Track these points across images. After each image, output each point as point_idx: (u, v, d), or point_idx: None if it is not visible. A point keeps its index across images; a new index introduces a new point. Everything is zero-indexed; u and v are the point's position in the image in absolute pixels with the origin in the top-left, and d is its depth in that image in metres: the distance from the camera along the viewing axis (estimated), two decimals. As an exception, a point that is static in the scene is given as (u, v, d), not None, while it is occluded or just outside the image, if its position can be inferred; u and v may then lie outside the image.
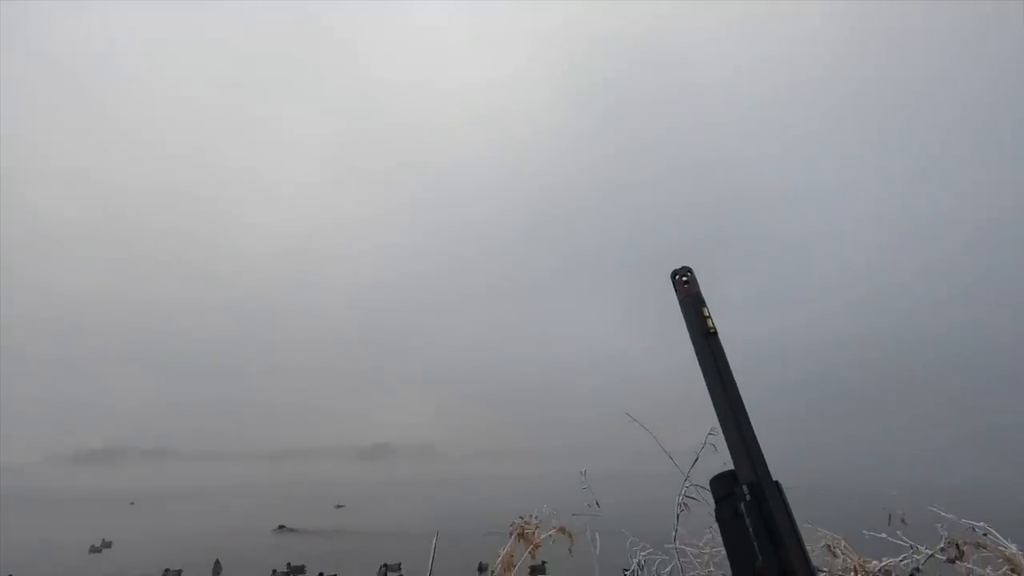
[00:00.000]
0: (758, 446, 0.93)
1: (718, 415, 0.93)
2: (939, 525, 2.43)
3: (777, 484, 0.92)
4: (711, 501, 2.85)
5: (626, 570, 3.07)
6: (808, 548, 2.80)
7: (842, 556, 2.63)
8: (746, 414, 0.93)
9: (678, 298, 0.98)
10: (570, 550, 2.79)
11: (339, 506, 63.84)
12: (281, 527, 47.78)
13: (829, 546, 2.66)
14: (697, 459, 2.85)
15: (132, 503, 77.31)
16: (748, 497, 0.91)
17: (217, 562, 30.00)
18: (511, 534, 2.72)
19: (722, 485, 0.93)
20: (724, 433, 0.93)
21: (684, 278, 0.99)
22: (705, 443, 2.79)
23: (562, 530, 2.70)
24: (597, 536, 2.94)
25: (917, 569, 2.24)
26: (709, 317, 0.96)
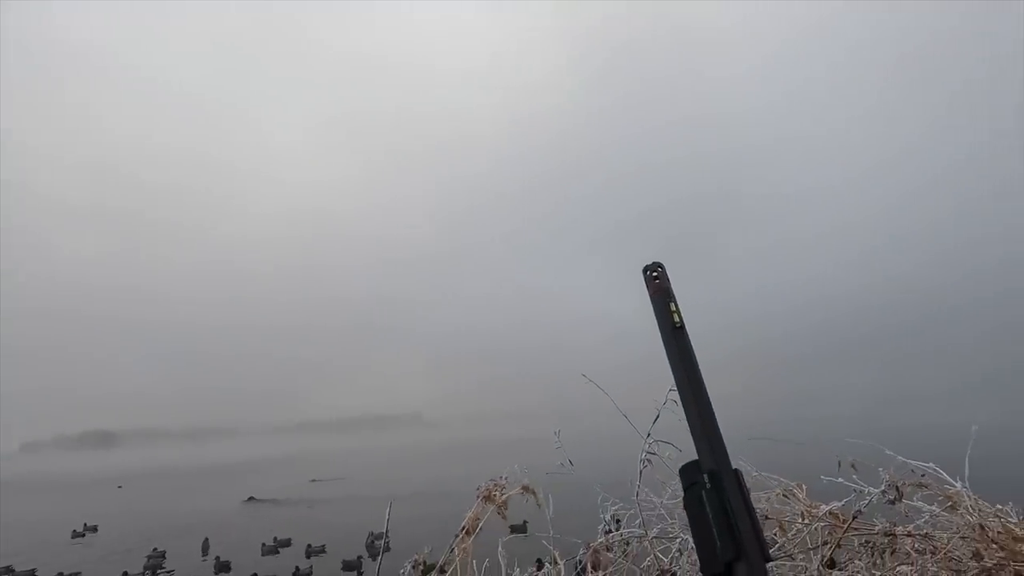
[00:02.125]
0: (719, 436, 0.97)
1: (684, 406, 0.98)
2: (881, 469, 2.56)
3: (736, 472, 0.97)
4: (672, 457, 2.89)
5: (601, 527, 3.18)
6: (765, 496, 2.88)
7: (797, 502, 2.74)
8: (710, 405, 0.97)
9: (649, 293, 1.01)
10: (539, 504, 2.87)
11: (313, 480, 64.25)
12: (251, 499, 48.17)
13: (783, 493, 2.76)
14: (658, 416, 2.91)
15: (120, 486, 76.61)
16: (708, 485, 0.96)
17: (206, 540, 30.23)
18: (478, 497, 2.76)
19: (689, 473, 0.97)
20: (689, 423, 0.97)
21: (655, 274, 1.01)
22: (666, 400, 2.85)
23: (526, 488, 2.76)
24: (550, 497, 3.02)
25: (860, 511, 2.36)
26: (676, 311, 0.99)
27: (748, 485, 0.98)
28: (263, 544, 28.98)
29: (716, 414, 0.98)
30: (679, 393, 0.98)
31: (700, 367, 0.99)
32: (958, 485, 2.60)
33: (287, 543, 29.60)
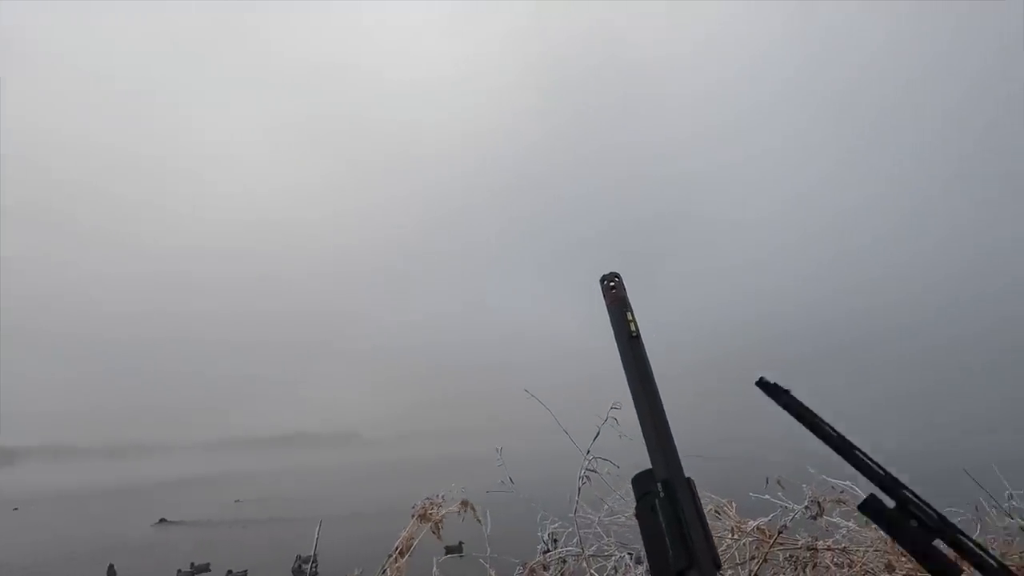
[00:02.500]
0: (673, 445, 0.98)
1: (638, 415, 0.97)
2: (805, 486, 2.71)
3: (688, 480, 0.97)
4: (610, 473, 2.90)
5: (539, 547, 3.15)
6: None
7: (728, 518, 2.83)
8: (664, 414, 0.97)
9: (606, 303, 1.02)
10: (477, 520, 2.81)
11: (238, 500, 60.34)
12: (162, 520, 44.75)
13: (715, 510, 2.84)
14: (599, 433, 2.95)
15: (16, 509, 68.78)
16: (662, 494, 0.96)
17: (111, 567, 27.71)
18: (413, 515, 2.67)
19: (642, 483, 0.96)
20: (643, 432, 0.97)
21: (612, 283, 1.03)
22: (607, 417, 2.90)
23: (465, 504, 2.70)
24: (487, 514, 2.99)
25: (785, 526, 2.47)
26: (633, 321, 1.00)
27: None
28: (179, 570, 26.93)
29: (670, 424, 0.99)
30: (634, 402, 0.98)
31: (655, 376, 0.99)
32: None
33: (206, 568, 27.64)
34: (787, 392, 0.98)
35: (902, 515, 0.92)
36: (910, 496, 0.91)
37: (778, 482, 2.97)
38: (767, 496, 2.98)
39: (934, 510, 0.91)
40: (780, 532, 2.47)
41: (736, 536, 2.60)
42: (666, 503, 0.95)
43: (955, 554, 0.92)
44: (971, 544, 0.90)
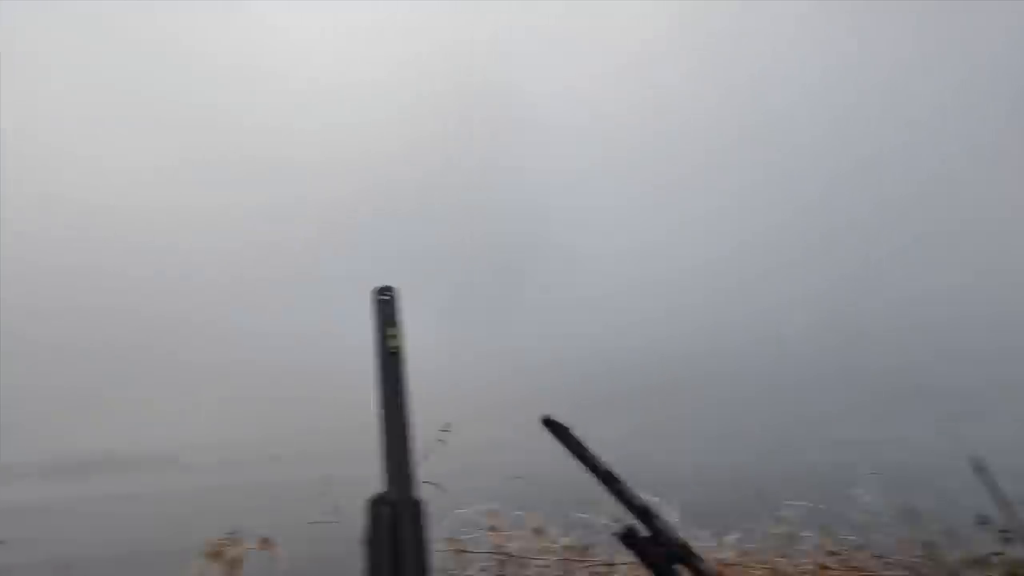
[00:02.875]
0: (409, 466, 0.96)
1: (381, 432, 0.93)
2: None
3: (416, 503, 0.95)
4: (440, 498, 2.83)
5: None
6: (520, 534, 2.99)
7: (544, 539, 2.94)
8: (407, 435, 0.95)
9: (373, 315, 1.00)
10: (271, 558, 2.57)
11: (1, 542, 48.59)
12: None
13: (534, 529, 2.95)
14: (427, 457, 2.91)
15: None
16: (389, 517, 0.94)
17: None
18: (205, 554, 2.35)
19: (374, 505, 0.94)
20: (381, 451, 0.95)
21: (384, 297, 1.01)
22: (437, 439, 2.87)
23: (265, 542, 2.44)
24: (294, 546, 2.81)
25: (590, 545, 2.64)
26: (396, 336, 0.99)
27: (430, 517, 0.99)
28: None
29: (416, 444, 0.99)
30: (379, 419, 0.97)
31: (410, 396, 0.99)
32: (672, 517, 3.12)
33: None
34: (567, 430, 1.06)
35: (653, 543, 1.07)
36: (661, 527, 1.07)
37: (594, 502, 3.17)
38: (585, 515, 3.17)
39: (682, 539, 1.09)
40: (586, 549, 2.63)
41: (545, 556, 2.71)
42: (392, 525, 0.96)
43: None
44: (705, 569, 1.08)
